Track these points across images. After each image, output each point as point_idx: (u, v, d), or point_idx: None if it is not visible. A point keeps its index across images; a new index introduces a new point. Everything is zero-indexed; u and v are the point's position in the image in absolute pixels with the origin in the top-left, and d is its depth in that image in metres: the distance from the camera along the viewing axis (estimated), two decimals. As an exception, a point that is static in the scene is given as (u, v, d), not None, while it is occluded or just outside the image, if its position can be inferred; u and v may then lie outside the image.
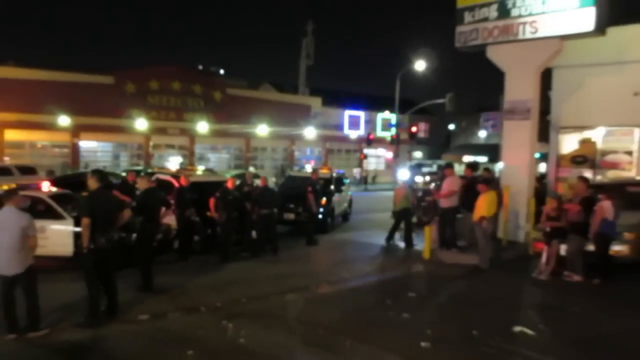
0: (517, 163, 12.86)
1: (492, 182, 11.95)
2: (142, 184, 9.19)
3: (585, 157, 13.85)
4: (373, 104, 47.85)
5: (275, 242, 12.18)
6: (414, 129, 39.36)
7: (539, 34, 12.15)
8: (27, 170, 22.54)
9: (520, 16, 12.36)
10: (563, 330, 7.20)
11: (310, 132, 40.31)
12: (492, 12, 12.92)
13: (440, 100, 35.08)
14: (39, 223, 8.66)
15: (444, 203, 11.71)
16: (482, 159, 40.26)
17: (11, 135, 28.93)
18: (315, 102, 42.87)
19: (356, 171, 40.44)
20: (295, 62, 47.31)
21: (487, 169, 14.53)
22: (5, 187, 8.06)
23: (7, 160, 26.72)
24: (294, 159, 40.68)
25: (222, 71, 63.58)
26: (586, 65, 13.35)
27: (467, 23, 13.48)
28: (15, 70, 29.91)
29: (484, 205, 10.59)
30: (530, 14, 12.19)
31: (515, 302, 8.79)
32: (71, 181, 14.94)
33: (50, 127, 29.36)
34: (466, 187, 11.97)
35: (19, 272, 6.38)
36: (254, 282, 9.56)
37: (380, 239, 13.92)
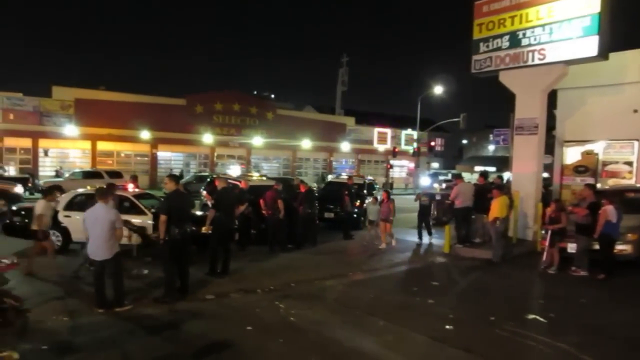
0: (525, 172, 12.35)
1: (504, 188, 11.53)
2: (220, 185, 9.16)
3: (587, 167, 13.20)
4: (398, 122, 47.48)
5: (315, 237, 12.08)
6: (432, 143, 38.94)
7: (546, 60, 11.64)
8: (115, 174, 23.16)
9: (529, 45, 11.88)
10: (573, 318, 6.75)
11: (345, 146, 40.29)
12: (504, 42, 12.47)
13: (456, 119, 34.70)
14: (125, 217, 8.78)
15: (457, 204, 11.47)
16: (491, 169, 39.30)
17: (102, 146, 29.78)
18: (350, 121, 42.74)
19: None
20: (332, 88, 47.43)
21: (499, 177, 14.12)
22: (98, 187, 8.20)
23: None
24: (332, 168, 40.56)
25: (272, 95, 64.20)
26: (588, 87, 12.76)
27: (481, 52, 13.07)
28: (106, 93, 30.84)
29: (497, 207, 10.25)
30: (538, 43, 11.70)
31: (527, 292, 8.36)
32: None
33: (134, 139, 30.13)
34: (478, 192, 11.66)
35: (107, 258, 6.43)
36: (300, 269, 9.43)
37: (404, 235, 13.64)
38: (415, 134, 37.90)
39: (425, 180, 28.51)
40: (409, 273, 9.80)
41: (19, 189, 18.31)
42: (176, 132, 31.36)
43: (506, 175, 20.21)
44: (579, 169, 13.35)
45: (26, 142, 27.39)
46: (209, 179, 17.36)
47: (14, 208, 10.64)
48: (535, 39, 11.77)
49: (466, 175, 24.00)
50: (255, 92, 58.42)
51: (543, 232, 10.19)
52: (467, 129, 47.69)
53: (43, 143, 27.91)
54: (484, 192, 11.55)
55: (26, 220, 10.50)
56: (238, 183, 12.31)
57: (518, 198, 12.02)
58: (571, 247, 9.31)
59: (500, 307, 7.20)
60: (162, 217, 6.90)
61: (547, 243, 9.49)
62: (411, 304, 7.32)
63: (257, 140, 34.69)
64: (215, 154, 34.60)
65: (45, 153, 28.29)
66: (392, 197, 12.52)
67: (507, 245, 11.12)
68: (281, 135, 36.04)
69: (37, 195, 18.49)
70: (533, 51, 11.82)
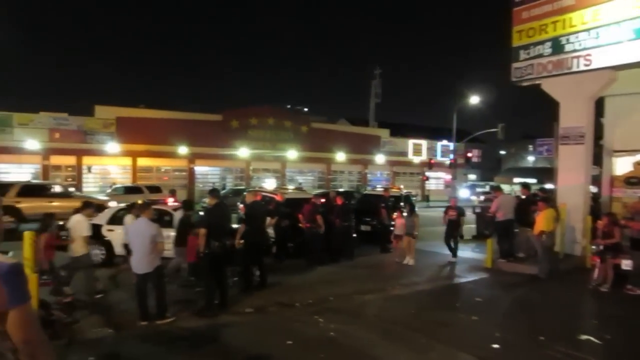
0: (572, 183, 11.85)
1: (550, 200, 11.10)
2: (249, 198, 9.21)
3: (640, 178, 12.54)
4: (433, 134, 46.92)
5: (352, 250, 11.95)
6: (469, 154, 38.18)
7: (593, 66, 11.17)
8: (154, 189, 23.76)
9: (574, 51, 11.45)
10: (630, 340, 6.34)
11: (380, 158, 40.08)
12: (547, 48, 12.10)
13: (493, 130, 33.92)
14: (165, 232, 8.92)
15: (499, 217, 11.14)
16: (532, 180, 38.11)
17: (142, 162, 30.64)
18: (384, 133, 42.55)
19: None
20: (366, 100, 47.46)
21: (542, 189, 13.65)
22: (139, 202, 8.42)
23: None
24: (366, 181, 40.35)
25: (306, 109, 64.68)
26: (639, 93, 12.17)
27: (522, 60, 12.71)
28: (146, 111, 31.81)
29: (543, 220, 9.86)
30: (584, 48, 11.25)
31: (578, 311, 7.97)
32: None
33: (172, 155, 30.88)
34: (521, 205, 11.27)
35: (148, 271, 6.53)
36: (338, 282, 9.29)
37: (443, 249, 13.27)
38: (451, 145, 37.28)
39: (464, 192, 28.01)
40: (450, 288, 9.53)
41: (112, 203, 19.03)
42: (213, 147, 31.99)
43: (548, 187, 19.51)
44: (630, 181, 12.67)
45: (71, 160, 28.50)
46: (245, 193, 17.57)
47: (60, 223, 10.99)
48: (580, 45, 11.36)
49: (505, 187, 23.30)
50: (289, 106, 59.07)
51: (594, 247, 9.71)
52: (505, 140, 46.53)
53: (86, 160, 28.98)
54: (527, 205, 11.17)
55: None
56: (274, 196, 12.40)
57: (565, 211, 11.53)
58: (626, 264, 8.77)
59: (549, 326, 6.86)
60: (202, 231, 6.97)
61: (599, 259, 9.02)
62: (454, 320, 7.09)
63: (292, 154, 34.97)
64: (251, 168, 35.05)
65: (89, 170, 29.37)
66: (416, 210, 12.32)
67: (554, 260, 10.65)
68: (315, 148, 36.21)
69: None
70: (578, 57, 11.41)
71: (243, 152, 32.95)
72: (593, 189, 13.31)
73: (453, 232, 12.21)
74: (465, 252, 13.06)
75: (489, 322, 6.99)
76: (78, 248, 7.49)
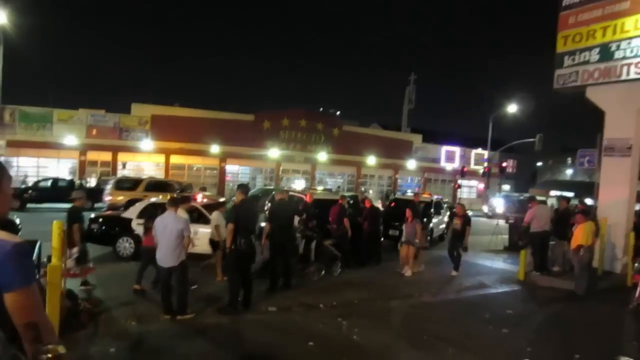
0: (615, 197, 11.32)
1: (589, 213, 10.64)
2: (277, 196, 9.20)
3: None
4: (467, 142, 46.05)
5: (379, 254, 11.76)
6: (504, 164, 37.27)
7: (646, 75, 10.67)
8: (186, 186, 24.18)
9: (624, 58, 10.93)
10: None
11: (411, 164, 39.66)
12: (594, 55, 11.62)
13: (530, 140, 33.01)
14: (193, 227, 8.99)
15: (533, 228, 10.70)
16: (569, 194, 36.92)
17: (175, 159, 31.19)
18: (417, 139, 42.04)
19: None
20: (398, 106, 47.03)
21: (581, 202, 13.13)
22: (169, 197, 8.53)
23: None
24: (397, 186, 39.94)
25: (338, 112, 64.58)
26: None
27: (566, 66, 12.26)
28: (180, 109, 32.29)
29: (581, 234, 9.42)
30: (635, 56, 10.71)
31: (617, 331, 7.55)
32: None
33: (204, 153, 31.32)
34: (560, 217, 10.84)
35: (173, 265, 6.53)
36: (364, 287, 9.13)
37: (474, 259, 12.90)
38: (485, 153, 36.47)
39: (497, 202, 27.32)
40: (479, 299, 9.20)
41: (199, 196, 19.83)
42: (244, 147, 32.28)
43: (588, 202, 18.80)
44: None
45: (106, 156, 29.22)
46: (274, 193, 17.63)
47: (92, 216, 11.24)
48: (631, 52, 10.81)
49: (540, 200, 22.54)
50: (321, 109, 59.03)
51: (636, 264, 9.22)
52: (543, 152, 45.15)
53: (121, 157, 29.65)
54: (566, 217, 10.74)
55: (103, 228, 11.05)
56: (303, 196, 12.35)
57: (605, 226, 11.01)
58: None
59: (585, 344, 6.53)
60: (230, 226, 6.95)
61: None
62: (483, 332, 6.84)
63: (322, 156, 34.96)
64: (281, 169, 35.22)
65: (124, 166, 30.06)
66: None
67: (592, 276, 10.18)
68: (346, 151, 36.10)
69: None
70: (629, 65, 10.86)
71: (274, 152, 33.15)
72: (637, 206, 12.67)
73: (457, 243, 11.11)
74: (497, 262, 12.68)
75: (520, 336, 6.71)
76: None
